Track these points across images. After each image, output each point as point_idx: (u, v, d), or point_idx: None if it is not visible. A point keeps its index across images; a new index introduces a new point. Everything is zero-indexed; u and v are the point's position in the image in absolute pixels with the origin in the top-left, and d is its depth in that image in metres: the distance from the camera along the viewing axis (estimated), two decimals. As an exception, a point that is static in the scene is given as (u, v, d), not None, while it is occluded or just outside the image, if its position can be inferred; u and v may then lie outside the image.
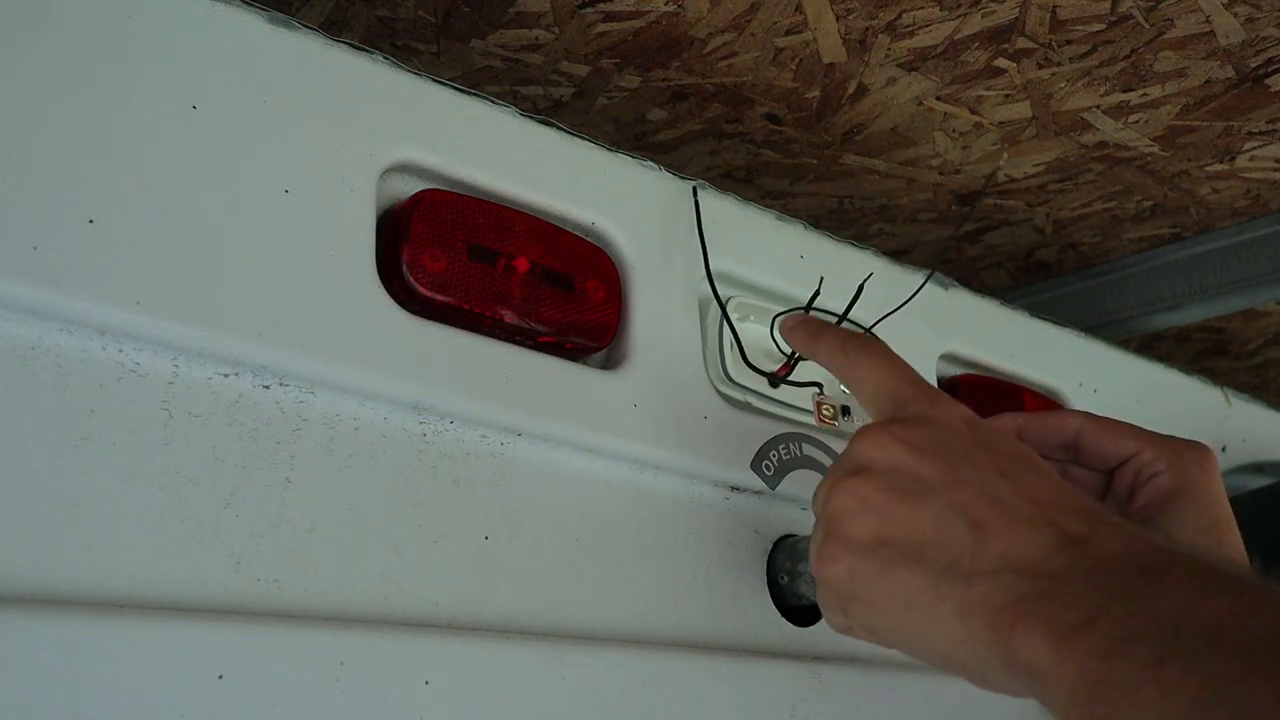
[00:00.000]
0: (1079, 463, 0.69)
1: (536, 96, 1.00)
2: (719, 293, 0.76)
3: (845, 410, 0.64)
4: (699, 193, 0.78)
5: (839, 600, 0.53)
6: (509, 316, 0.68)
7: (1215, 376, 1.31)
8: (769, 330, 0.79)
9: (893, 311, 0.80)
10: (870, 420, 0.57)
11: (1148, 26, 0.85)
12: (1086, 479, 0.69)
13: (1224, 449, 1.14)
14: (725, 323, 0.77)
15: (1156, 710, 0.39)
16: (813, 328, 0.63)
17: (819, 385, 0.64)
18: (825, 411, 0.63)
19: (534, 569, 0.66)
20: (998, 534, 0.48)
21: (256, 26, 0.62)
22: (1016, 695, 0.48)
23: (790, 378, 0.78)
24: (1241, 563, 0.63)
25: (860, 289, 0.78)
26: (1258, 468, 1.19)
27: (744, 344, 0.77)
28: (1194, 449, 0.67)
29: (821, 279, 0.78)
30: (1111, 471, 0.68)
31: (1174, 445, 0.67)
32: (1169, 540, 0.48)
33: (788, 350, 0.78)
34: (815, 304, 0.77)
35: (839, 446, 0.80)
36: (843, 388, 0.83)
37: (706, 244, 0.76)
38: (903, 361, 0.58)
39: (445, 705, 0.59)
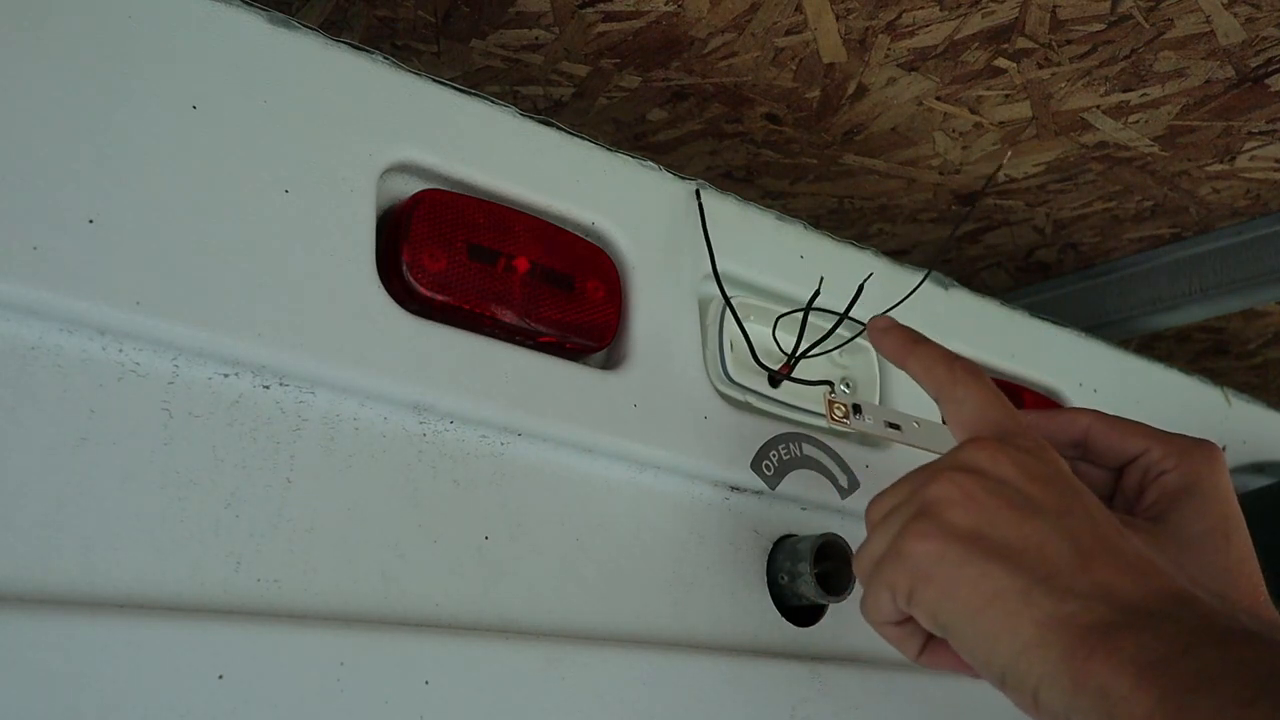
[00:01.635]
0: (1087, 460, 0.69)
1: (536, 96, 1.00)
2: (715, 304, 0.76)
3: (857, 409, 0.64)
4: (701, 194, 0.78)
5: (911, 581, 0.52)
6: (509, 316, 0.68)
7: (1215, 376, 1.31)
8: (770, 330, 0.79)
9: (889, 310, 0.80)
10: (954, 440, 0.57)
11: (1148, 26, 0.85)
12: (1095, 476, 0.69)
13: (1224, 449, 1.14)
14: (733, 320, 0.77)
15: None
16: (911, 335, 0.63)
17: (830, 384, 0.64)
18: (837, 410, 0.63)
19: (534, 569, 0.66)
20: (1102, 564, 0.49)
21: (256, 26, 0.62)
22: None
23: (788, 391, 0.78)
24: (1248, 563, 0.64)
25: (860, 289, 0.78)
26: (1258, 468, 1.19)
27: (744, 344, 0.77)
28: (1202, 447, 0.67)
29: (821, 279, 0.78)
30: (1120, 469, 0.68)
31: (1182, 443, 0.67)
32: (1256, 622, 0.48)
33: (788, 350, 0.78)
34: (816, 304, 0.77)
35: (843, 447, 0.80)
36: (844, 386, 0.84)
37: (694, 251, 0.76)
38: (1005, 398, 0.58)
39: (445, 705, 0.59)
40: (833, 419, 0.62)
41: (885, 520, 0.55)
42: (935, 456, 0.62)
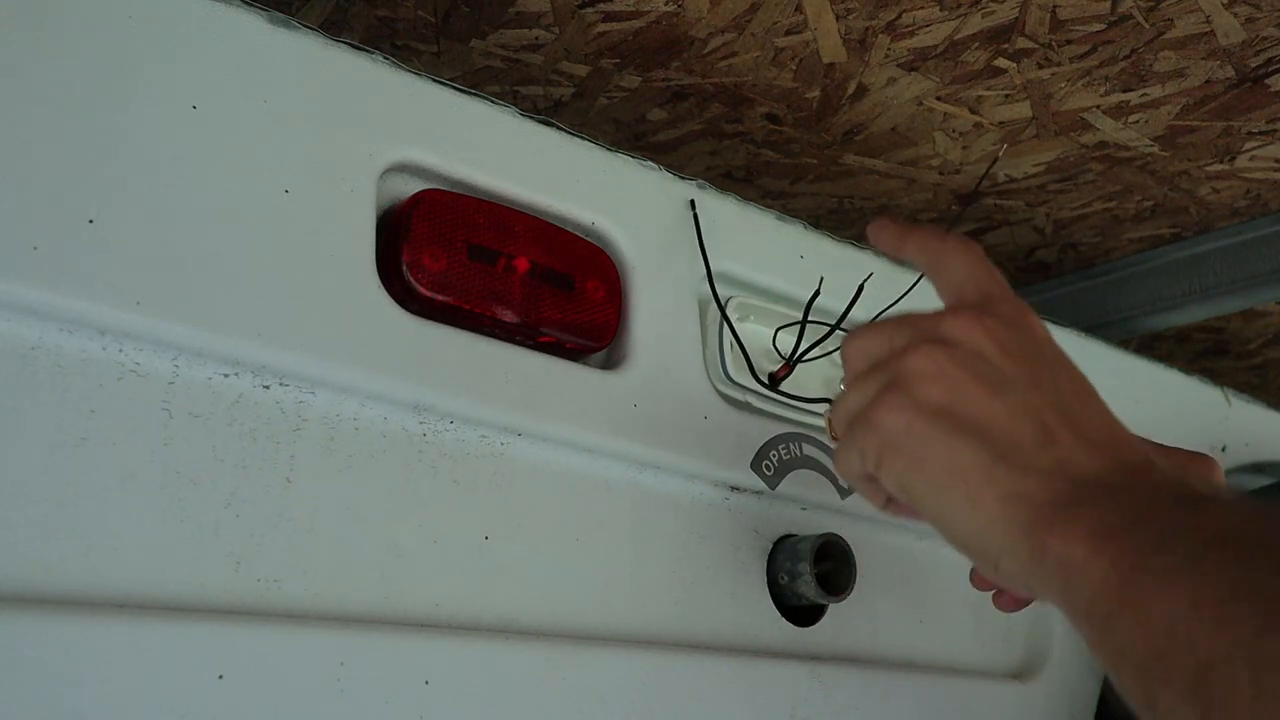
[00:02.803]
0: None
1: (536, 96, 1.00)
2: (721, 301, 0.76)
3: None
4: (698, 200, 0.78)
5: (879, 449, 0.54)
6: (509, 316, 0.68)
7: (1215, 376, 1.31)
8: (771, 330, 0.79)
9: (889, 307, 0.80)
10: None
11: (1148, 26, 0.85)
12: None
13: (1224, 449, 1.14)
14: (727, 328, 0.77)
15: (1190, 597, 0.41)
16: (906, 225, 0.64)
17: (829, 401, 0.64)
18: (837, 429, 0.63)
19: (534, 569, 0.66)
20: (1063, 442, 0.51)
21: (256, 26, 0.62)
22: (1024, 590, 0.50)
23: (798, 392, 0.78)
24: None
25: (860, 289, 0.78)
26: (1258, 468, 1.19)
27: (744, 345, 0.77)
28: (1200, 462, 0.67)
29: (821, 279, 0.78)
30: None
31: (1180, 457, 0.67)
32: (1209, 487, 0.50)
33: (786, 353, 0.78)
34: (818, 302, 0.77)
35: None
36: (844, 386, 0.84)
37: (707, 252, 0.76)
38: (994, 267, 0.60)
39: (445, 705, 0.59)
40: (835, 437, 0.63)
41: (861, 381, 0.57)
42: None
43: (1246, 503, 0.46)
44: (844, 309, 0.77)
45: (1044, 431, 0.51)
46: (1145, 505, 0.47)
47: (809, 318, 0.77)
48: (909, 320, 0.57)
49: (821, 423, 0.79)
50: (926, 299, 0.89)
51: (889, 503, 0.59)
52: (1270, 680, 0.38)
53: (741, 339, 0.77)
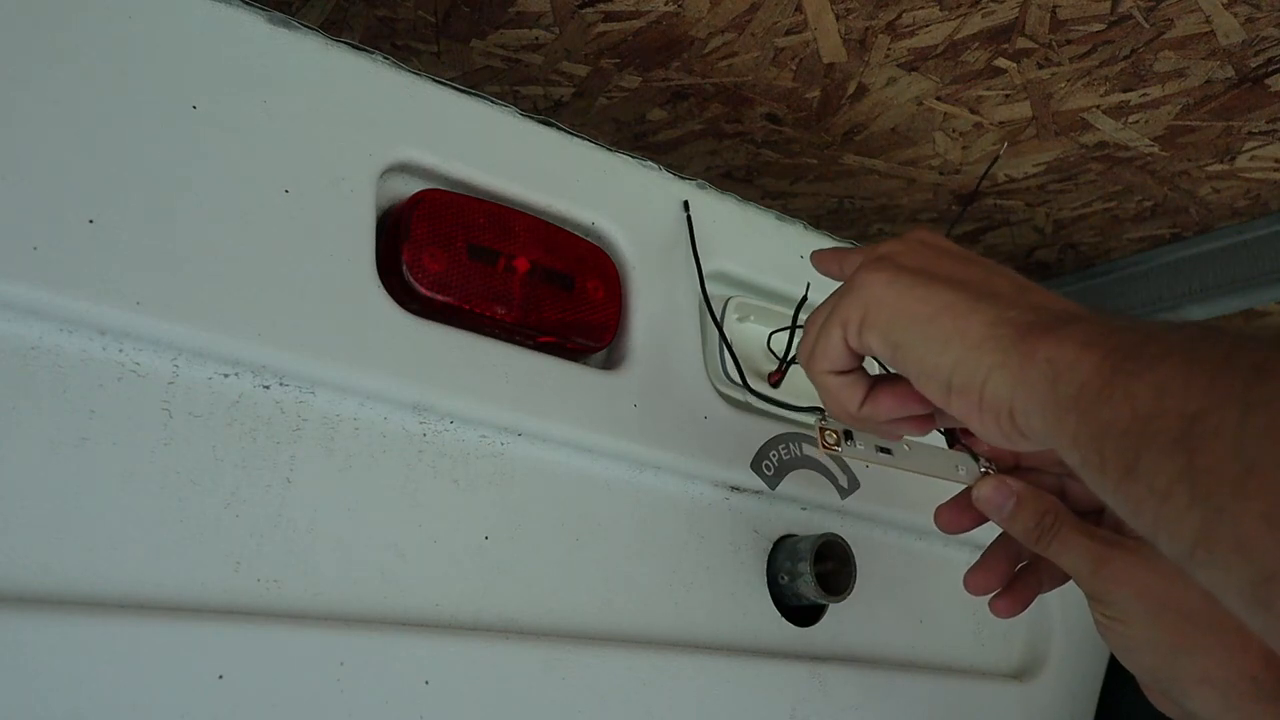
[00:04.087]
0: (1075, 478, 0.69)
1: (536, 96, 1.00)
2: (715, 304, 0.76)
3: (848, 435, 0.64)
4: (694, 200, 0.78)
5: (864, 306, 0.55)
6: (509, 316, 0.67)
7: (1215, 376, 1.31)
8: (771, 331, 0.79)
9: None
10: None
11: (1148, 26, 0.85)
12: (1083, 494, 0.69)
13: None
14: (734, 323, 0.77)
15: (1183, 368, 0.41)
16: (838, 250, 0.67)
17: (821, 411, 0.64)
18: (829, 438, 0.64)
19: (534, 569, 0.66)
20: (1037, 292, 0.53)
21: (256, 26, 0.62)
22: (1006, 427, 0.50)
23: (787, 391, 0.78)
24: None
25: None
26: (1257, 468, 1.19)
27: (744, 345, 0.77)
28: None
29: (809, 284, 0.78)
30: None
31: None
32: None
33: (781, 354, 0.78)
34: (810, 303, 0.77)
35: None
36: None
37: (706, 252, 0.76)
38: None
39: (445, 705, 0.59)
40: (824, 447, 0.63)
41: (844, 262, 0.62)
42: (929, 480, 0.63)
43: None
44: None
45: (1019, 287, 0.53)
46: (1132, 320, 0.47)
47: (800, 321, 0.77)
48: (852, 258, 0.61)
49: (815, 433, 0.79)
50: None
51: (865, 401, 0.59)
52: (1258, 420, 0.37)
53: (740, 340, 0.77)
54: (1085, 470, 0.45)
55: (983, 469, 0.64)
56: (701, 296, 0.75)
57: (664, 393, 0.72)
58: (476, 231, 0.67)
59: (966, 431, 0.63)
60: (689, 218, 0.76)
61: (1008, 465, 0.66)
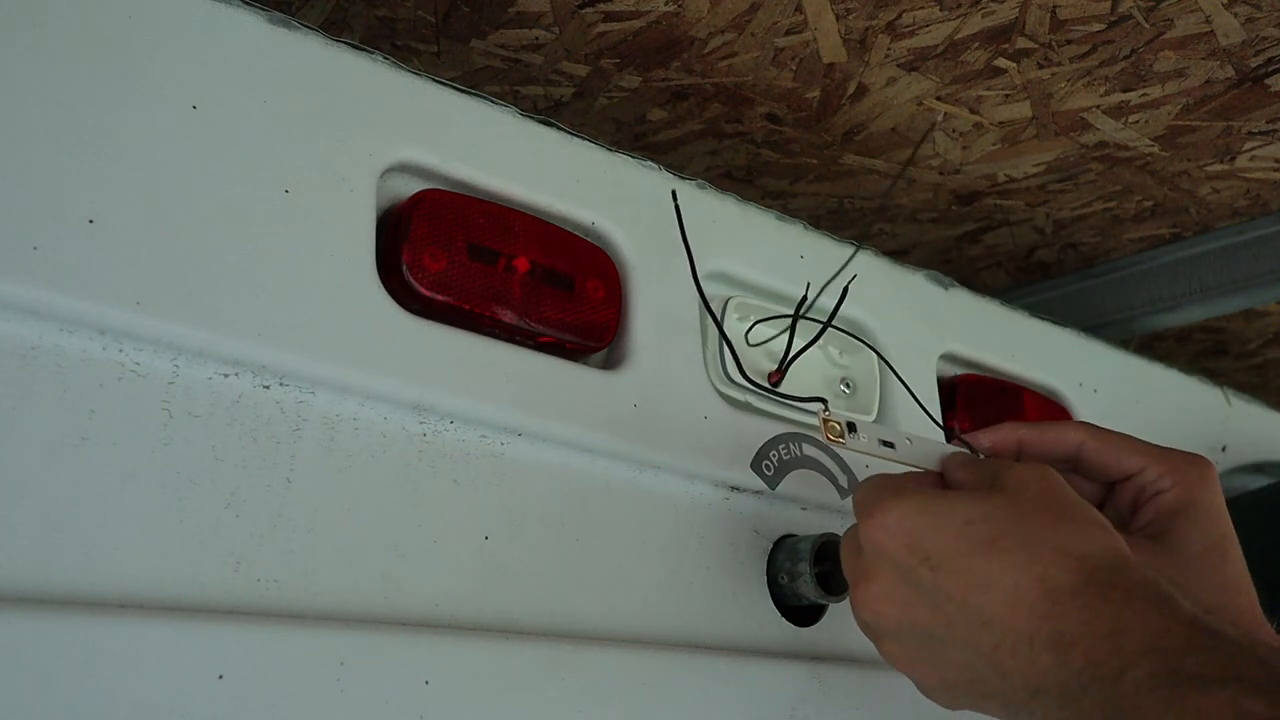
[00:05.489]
0: (1079, 474, 0.69)
1: (536, 96, 1.00)
2: (715, 304, 0.76)
3: (851, 427, 0.64)
4: (681, 191, 0.78)
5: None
6: (509, 316, 0.67)
7: (1215, 376, 1.31)
8: (771, 333, 0.79)
9: (825, 285, 0.81)
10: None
11: (1148, 26, 0.85)
12: (1087, 489, 0.69)
13: (1224, 449, 1.14)
14: (734, 321, 0.77)
15: None
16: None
17: (824, 401, 0.64)
18: (832, 429, 0.64)
19: (534, 569, 0.66)
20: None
21: (256, 26, 0.62)
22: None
23: (788, 390, 0.78)
24: (1244, 580, 0.64)
25: (845, 290, 0.78)
26: (1258, 468, 1.19)
27: (744, 344, 0.77)
28: (1197, 464, 0.66)
29: (808, 284, 0.78)
30: (1112, 483, 0.68)
31: (1176, 461, 0.66)
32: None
33: (792, 351, 0.78)
34: (816, 303, 0.77)
35: (841, 451, 0.80)
36: (844, 386, 0.84)
37: (704, 250, 0.76)
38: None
39: (445, 705, 0.59)
40: (828, 438, 0.63)
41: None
42: (927, 471, 0.64)
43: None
44: (837, 311, 0.78)
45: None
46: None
47: (799, 320, 0.77)
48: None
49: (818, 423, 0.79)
50: (928, 298, 0.90)
51: None
52: None
53: (736, 338, 0.77)
54: None
55: None
56: (696, 290, 0.75)
57: (664, 393, 0.72)
58: (477, 231, 0.67)
59: (965, 427, 0.63)
60: (677, 208, 0.76)
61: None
